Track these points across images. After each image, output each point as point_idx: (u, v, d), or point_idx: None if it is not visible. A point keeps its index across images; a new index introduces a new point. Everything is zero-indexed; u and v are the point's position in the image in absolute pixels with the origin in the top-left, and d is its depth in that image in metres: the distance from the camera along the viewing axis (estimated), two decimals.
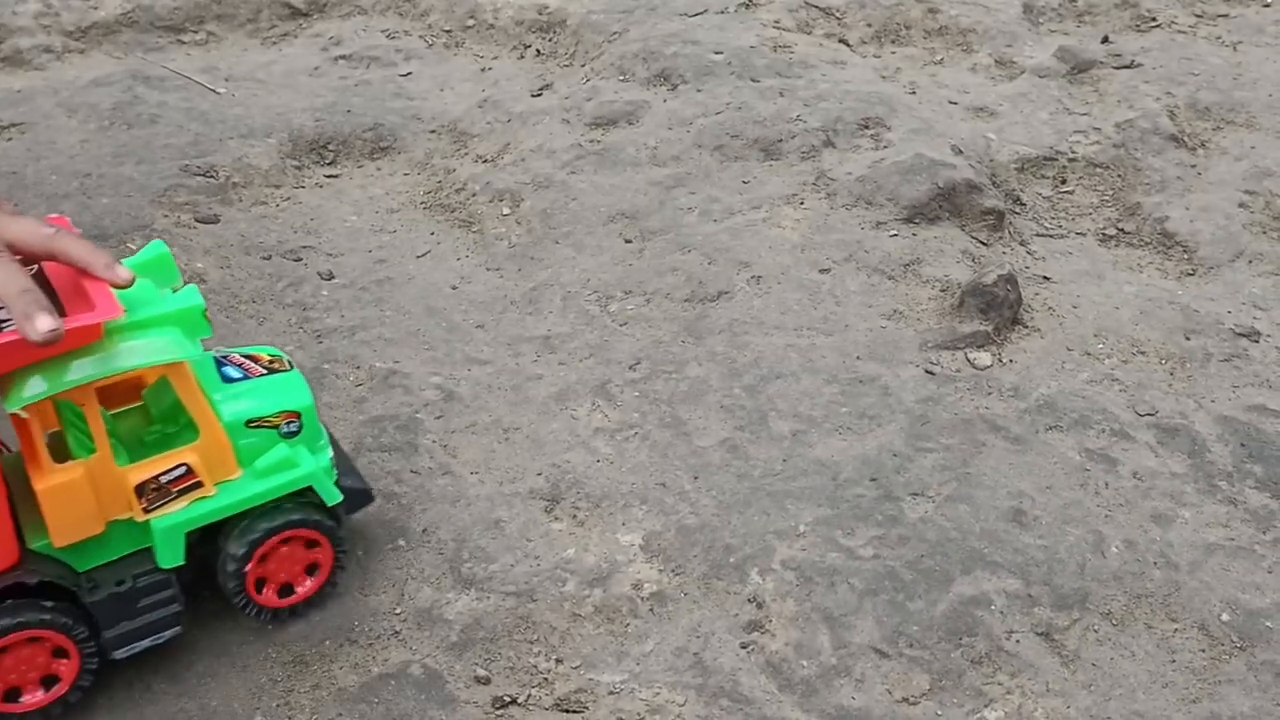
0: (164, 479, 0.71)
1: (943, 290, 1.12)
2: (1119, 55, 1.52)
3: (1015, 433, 0.96)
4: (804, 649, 0.79)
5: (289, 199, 1.32)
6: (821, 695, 0.76)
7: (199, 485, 0.73)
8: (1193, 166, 1.32)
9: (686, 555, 0.86)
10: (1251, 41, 1.58)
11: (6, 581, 0.68)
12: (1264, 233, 1.22)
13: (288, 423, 0.76)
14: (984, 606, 0.81)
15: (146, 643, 0.73)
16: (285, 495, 0.76)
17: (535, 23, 1.65)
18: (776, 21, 1.65)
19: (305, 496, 0.77)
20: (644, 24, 1.61)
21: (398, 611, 0.81)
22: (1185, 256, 1.19)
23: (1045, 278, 1.16)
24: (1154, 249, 1.21)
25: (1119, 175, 1.31)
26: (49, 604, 0.69)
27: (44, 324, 0.63)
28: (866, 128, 1.35)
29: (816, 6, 1.68)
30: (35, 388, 0.66)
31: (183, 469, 0.72)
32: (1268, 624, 0.80)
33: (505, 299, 1.14)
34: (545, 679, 0.77)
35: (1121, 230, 1.24)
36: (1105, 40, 1.57)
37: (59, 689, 0.71)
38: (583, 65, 1.56)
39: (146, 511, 0.71)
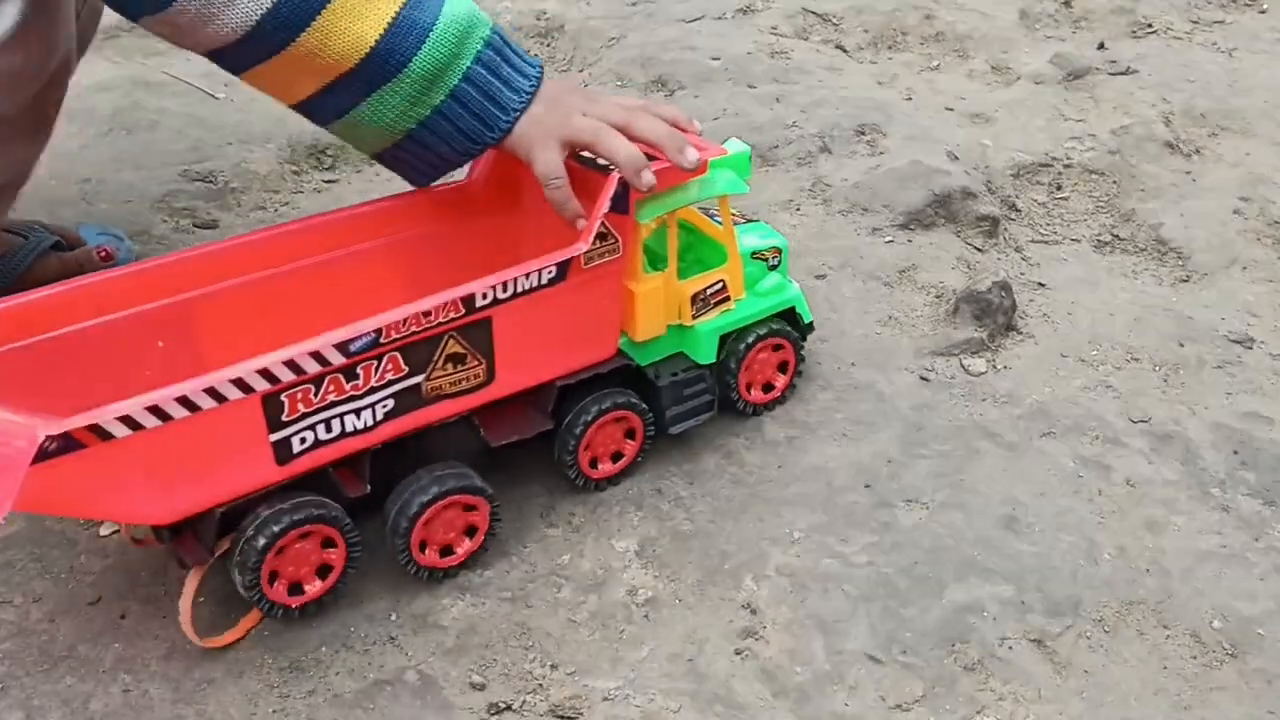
0: (708, 292, 0.90)
1: (937, 297, 1.12)
2: (1115, 62, 1.53)
3: (1009, 439, 0.97)
4: (798, 655, 0.79)
5: (287, 204, 1.32)
6: (815, 702, 0.76)
7: (727, 299, 0.92)
8: (1188, 173, 1.33)
9: (681, 561, 0.86)
10: (1247, 48, 1.58)
11: (616, 365, 0.89)
12: (1258, 240, 1.22)
13: (774, 257, 0.97)
14: (977, 613, 0.82)
15: (691, 422, 0.93)
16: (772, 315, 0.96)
17: (534, 28, 1.66)
18: (774, 28, 1.65)
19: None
20: (642, 30, 1.62)
21: (393, 618, 0.81)
22: (1180, 263, 1.20)
23: (1040, 284, 1.16)
24: (1149, 256, 1.22)
25: (1114, 182, 1.31)
26: (629, 391, 0.89)
27: (693, 155, 0.83)
28: (863, 134, 1.35)
29: (814, 13, 1.69)
30: (661, 205, 0.85)
31: (720, 285, 0.91)
32: (1259, 631, 0.81)
33: None
34: (540, 685, 0.77)
35: (1116, 237, 1.24)
36: (1101, 47, 1.57)
37: (623, 461, 0.92)
38: (581, 70, 1.57)
39: (693, 318, 0.90)
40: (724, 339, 0.94)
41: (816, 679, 0.77)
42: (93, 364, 0.78)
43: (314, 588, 0.79)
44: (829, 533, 0.88)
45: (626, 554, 0.87)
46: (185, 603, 0.76)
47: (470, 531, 0.84)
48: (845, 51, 1.63)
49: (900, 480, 0.93)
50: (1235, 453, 0.96)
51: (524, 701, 0.76)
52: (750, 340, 0.94)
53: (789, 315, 0.97)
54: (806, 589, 0.84)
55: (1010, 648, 0.80)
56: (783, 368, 0.98)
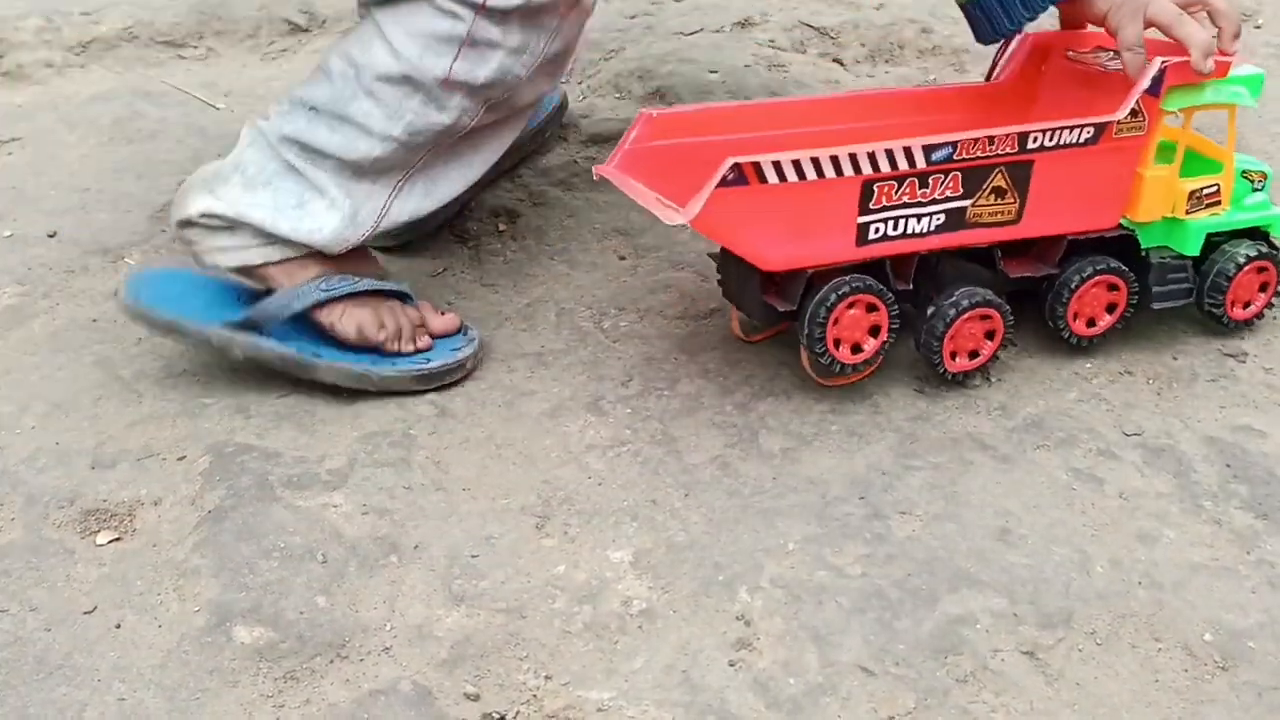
0: (1203, 192, 1.03)
1: None
2: None
3: (1003, 451, 0.97)
4: (791, 667, 0.79)
5: None
6: (808, 713, 0.76)
7: (1218, 203, 1.04)
8: None
9: (676, 573, 0.86)
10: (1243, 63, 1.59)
11: (1118, 233, 1.03)
12: None
13: (1259, 180, 1.07)
14: (970, 625, 0.82)
15: (1170, 303, 1.07)
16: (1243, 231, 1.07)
17: None
18: (771, 41, 1.66)
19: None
20: (640, 42, 1.63)
21: (389, 628, 0.82)
22: None
23: (1035, 296, 1.17)
24: None
25: None
26: (1116, 260, 1.03)
27: (1238, 45, 1.00)
28: None
29: (811, 26, 1.70)
30: (1186, 98, 1.00)
31: (1215, 188, 1.04)
32: (1250, 644, 0.81)
33: (500, 314, 1.15)
34: (534, 696, 0.77)
35: None
36: None
37: (1099, 328, 1.06)
38: (579, 82, 1.57)
39: (1186, 214, 1.03)
40: (1207, 250, 1.05)
41: (809, 690, 0.78)
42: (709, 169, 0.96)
43: (870, 345, 0.98)
44: (823, 544, 0.88)
45: (621, 565, 0.87)
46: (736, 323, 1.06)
47: (973, 355, 1.03)
48: (842, 65, 1.63)
49: (894, 492, 0.93)
50: (1227, 466, 0.96)
51: (518, 712, 0.76)
52: (1240, 262, 1.05)
53: (1262, 235, 1.08)
54: (800, 600, 0.84)
55: (1002, 660, 0.80)
56: (1263, 288, 1.09)
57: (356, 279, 1.02)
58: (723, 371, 1.06)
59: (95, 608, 0.83)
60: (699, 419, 1.01)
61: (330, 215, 0.98)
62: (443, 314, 1.07)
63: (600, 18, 1.69)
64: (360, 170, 0.98)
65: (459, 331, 1.07)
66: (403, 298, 1.05)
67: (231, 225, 0.99)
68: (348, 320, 1.01)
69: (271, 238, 0.99)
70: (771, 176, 0.88)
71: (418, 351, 1.03)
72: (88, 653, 0.80)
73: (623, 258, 1.23)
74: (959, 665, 0.79)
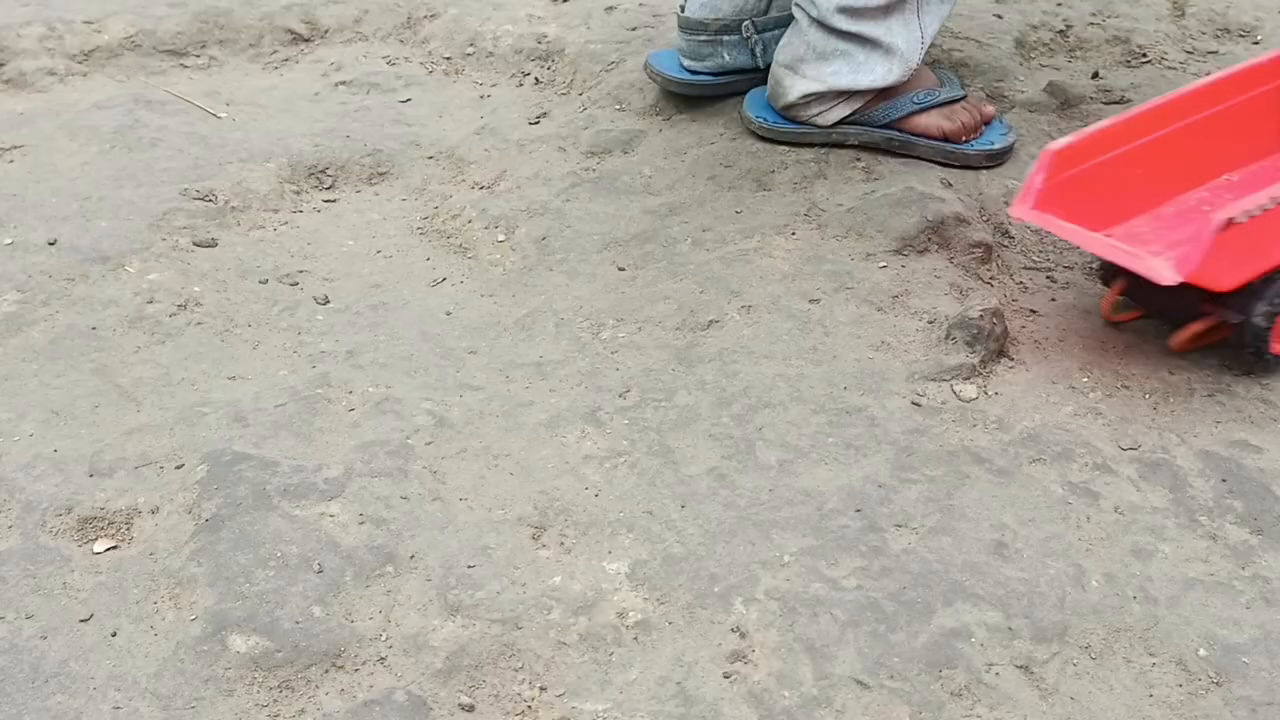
0: None
1: (930, 322, 1.13)
2: (1109, 90, 1.54)
3: (999, 465, 0.97)
4: (786, 679, 0.79)
5: (286, 223, 1.33)
6: None
7: None
8: None
9: (672, 584, 0.86)
10: None
11: None
12: None
13: None
14: (964, 639, 0.82)
15: None
16: None
17: (534, 51, 1.67)
18: None
19: None
20: (640, 54, 1.63)
21: (384, 637, 0.82)
22: None
23: (1032, 310, 1.17)
24: None
25: None
26: None
27: None
28: (858, 160, 1.36)
29: None
30: None
31: None
32: (1244, 659, 0.81)
33: (498, 325, 1.15)
34: (529, 707, 0.77)
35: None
36: (1095, 76, 1.59)
37: None
38: (580, 94, 1.58)
39: None
40: None
41: (804, 703, 0.78)
42: (1121, 188, 1.08)
43: None
44: (819, 556, 0.89)
45: (617, 576, 0.87)
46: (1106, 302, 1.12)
47: None
48: None
49: (890, 505, 0.93)
50: (1223, 481, 0.96)
51: None
52: None
53: None
54: (795, 613, 0.84)
55: (997, 674, 0.80)
56: None
57: (934, 93, 1.34)
58: (720, 383, 1.07)
59: (91, 616, 0.83)
60: (696, 430, 1.01)
61: (885, 62, 1.30)
62: (986, 105, 1.38)
63: (601, 29, 1.70)
64: (890, 8, 1.26)
65: (999, 119, 1.40)
66: (960, 99, 1.36)
67: (821, 95, 1.32)
68: (929, 122, 1.33)
69: (852, 93, 1.32)
70: (1242, 218, 0.97)
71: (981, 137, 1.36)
72: (83, 660, 0.80)
73: (621, 268, 1.24)
74: (953, 679, 0.80)
